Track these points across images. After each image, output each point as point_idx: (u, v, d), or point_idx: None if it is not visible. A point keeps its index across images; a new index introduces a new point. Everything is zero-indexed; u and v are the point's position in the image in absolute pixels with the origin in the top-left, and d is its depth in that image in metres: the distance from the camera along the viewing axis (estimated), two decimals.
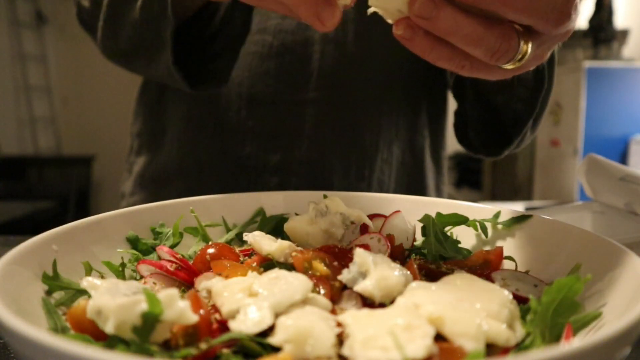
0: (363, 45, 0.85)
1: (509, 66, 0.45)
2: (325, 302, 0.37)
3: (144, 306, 0.31)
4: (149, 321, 0.31)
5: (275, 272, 0.39)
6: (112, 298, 0.32)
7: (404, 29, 0.42)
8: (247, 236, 0.49)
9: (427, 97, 0.95)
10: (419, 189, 0.96)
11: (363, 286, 0.37)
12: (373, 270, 0.38)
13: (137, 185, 0.95)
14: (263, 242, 0.47)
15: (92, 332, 0.34)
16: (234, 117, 0.85)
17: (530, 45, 0.44)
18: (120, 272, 0.47)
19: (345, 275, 0.39)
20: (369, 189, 0.88)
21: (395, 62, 0.88)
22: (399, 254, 0.49)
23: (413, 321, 0.31)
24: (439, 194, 1.01)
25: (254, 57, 0.83)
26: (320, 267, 0.41)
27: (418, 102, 0.94)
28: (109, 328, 0.31)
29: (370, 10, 0.45)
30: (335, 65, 0.85)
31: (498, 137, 0.84)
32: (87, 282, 0.37)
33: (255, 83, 0.84)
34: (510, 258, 0.49)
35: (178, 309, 0.32)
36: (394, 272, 0.38)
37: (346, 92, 0.86)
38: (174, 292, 0.32)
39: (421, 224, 0.54)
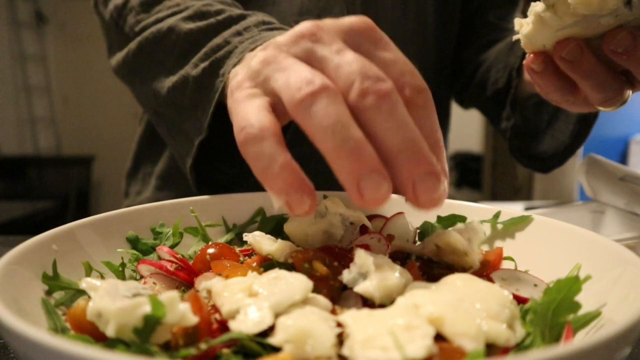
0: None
1: (608, 109, 0.52)
2: (325, 302, 0.37)
3: (146, 309, 0.31)
4: (151, 323, 0.31)
5: (275, 272, 0.39)
6: (112, 301, 0.32)
7: (539, 64, 0.49)
8: (247, 236, 0.49)
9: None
10: None
11: (363, 287, 0.37)
12: (373, 271, 0.38)
13: (145, 183, 0.95)
14: (263, 242, 0.47)
15: (92, 333, 0.34)
16: None
17: (631, 94, 0.50)
18: (120, 272, 0.47)
19: (345, 276, 0.39)
20: None
21: None
22: (398, 254, 0.49)
23: (413, 321, 0.31)
24: None
25: None
26: (321, 267, 0.41)
27: None
28: (109, 331, 0.31)
29: (515, 37, 0.50)
30: None
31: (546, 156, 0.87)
32: (86, 283, 0.37)
33: None
34: (509, 258, 0.49)
35: (179, 311, 0.32)
36: (395, 274, 0.38)
37: None
38: (174, 294, 0.32)
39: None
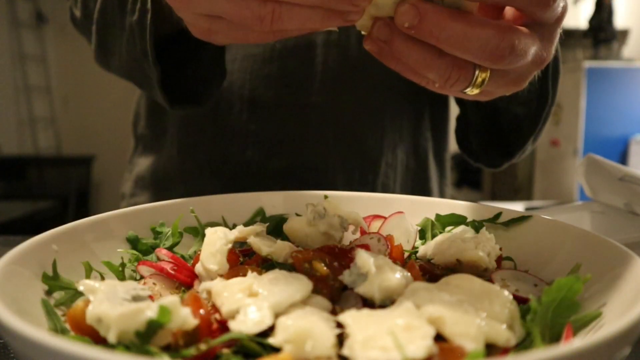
0: (362, 52, 0.84)
1: (468, 92, 0.46)
2: (325, 302, 0.37)
3: (148, 314, 0.31)
4: (153, 328, 0.31)
5: (275, 273, 0.39)
6: (111, 305, 0.32)
7: (371, 44, 0.45)
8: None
9: (429, 100, 0.94)
10: (423, 193, 0.95)
11: (364, 288, 0.37)
12: (374, 272, 0.38)
13: (138, 186, 0.94)
14: (263, 242, 0.47)
15: (91, 334, 0.34)
16: (235, 121, 0.84)
17: (488, 74, 0.44)
18: (120, 272, 0.47)
19: (346, 277, 0.39)
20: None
21: (390, 70, 0.88)
22: (398, 255, 0.49)
23: (413, 321, 0.31)
24: (442, 196, 1.01)
25: (256, 59, 0.82)
26: (321, 267, 0.41)
27: (421, 105, 0.93)
28: (111, 337, 0.31)
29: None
30: (338, 69, 0.83)
31: (499, 146, 0.84)
32: (84, 286, 0.37)
33: (257, 86, 0.82)
34: (509, 258, 0.49)
35: (181, 316, 0.32)
36: (395, 275, 0.38)
37: (349, 96, 0.85)
38: (175, 299, 0.32)
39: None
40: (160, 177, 0.91)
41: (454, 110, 1.03)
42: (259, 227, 0.50)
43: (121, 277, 0.47)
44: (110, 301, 0.33)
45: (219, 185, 0.85)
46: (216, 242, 0.45)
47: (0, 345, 0.45)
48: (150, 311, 0.31)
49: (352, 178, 0.87)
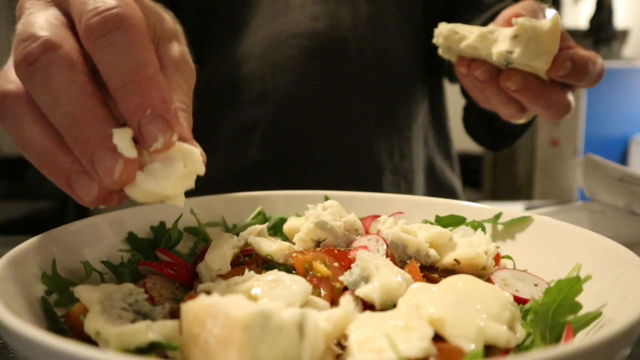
0: (386, 42, 0.92)
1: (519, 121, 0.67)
2: (324, 303, 0.37)
3: (150, 336, 0.30)
4: (154, 346, 0.31)
5: (274, 274, 0.39)
6: (110, 319, 0.32)
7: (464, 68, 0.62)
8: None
9: (427, 79, 1.02)
10: (430, 164, 1.03)
11: (365, 291, 0.37)
12: (375, 274, 0.38)
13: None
14: (263, 242, 0.47)
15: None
16: (284, 118, 0.88)
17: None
18: (120, 272, 0.47)
19: (347, 278, 0.39)
20: (410, 167, 0.95)
21: (407, 54, 0.96)
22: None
23: (412, 322, 0.31)
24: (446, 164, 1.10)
25: (295, 60, 0.88)
26: (321, 268, 0.41)
27: (421, 84, 1.01)
28: (110, 352, 0.30)
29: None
30: (370, 61, 0.91)
31: (497, 130, 0.94)
32: (79, 293, 0.36)
33: (301, 84, 0.88)
34: (507, 257, 0.49)
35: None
36: (397, 277, 0.38)
37: (381, 83, 0.93)
38: (175, 325, 0.31)
39: None
40: (211, 182, 0.93)
41: (455, 112, 1.08)
42: (259, 227, 0.50)
43: (121, 277, 0.47)
44: (108, 312, 0.33)
45: (282, 179, 0.90)
46: (224, 244, 0.46)
47: (0, 345, 0.45)
48: (152, 333, 0.31)
49: (392, 154, 0.94)
